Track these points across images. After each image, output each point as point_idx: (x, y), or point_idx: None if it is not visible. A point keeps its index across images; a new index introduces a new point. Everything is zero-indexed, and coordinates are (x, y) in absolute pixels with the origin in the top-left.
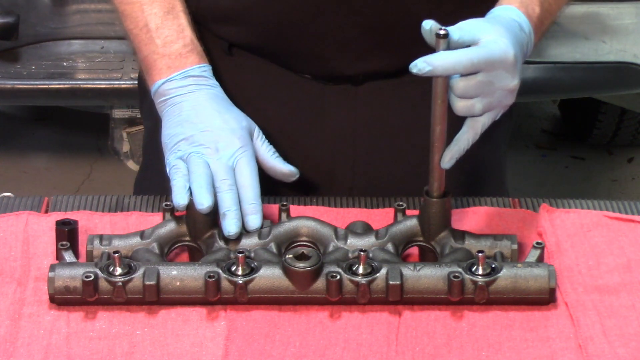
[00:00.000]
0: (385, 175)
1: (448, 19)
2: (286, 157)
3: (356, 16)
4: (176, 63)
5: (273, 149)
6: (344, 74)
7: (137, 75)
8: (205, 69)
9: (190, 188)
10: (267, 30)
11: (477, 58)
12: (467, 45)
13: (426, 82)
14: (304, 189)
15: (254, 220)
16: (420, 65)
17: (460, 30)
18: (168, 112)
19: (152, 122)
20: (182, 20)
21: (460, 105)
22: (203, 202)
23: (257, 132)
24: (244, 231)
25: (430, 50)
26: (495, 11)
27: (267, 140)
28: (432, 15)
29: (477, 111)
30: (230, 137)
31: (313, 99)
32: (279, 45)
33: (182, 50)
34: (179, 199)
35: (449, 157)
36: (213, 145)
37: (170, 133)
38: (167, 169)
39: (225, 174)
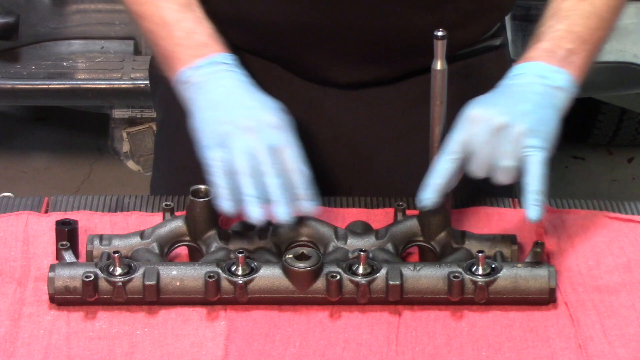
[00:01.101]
0: (385, 177)
1: (449, 30)
2: None
3: (354, 27)
4: (200, 51)
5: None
6: (341, 81)
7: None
8: (233, 57)
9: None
10: (265, 36)
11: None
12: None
13: (425, 84)
14: None
15: (308, 205)
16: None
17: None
18: (196, 98)
19: (163, 113)
20: (199, 14)
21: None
22: (254, 217)
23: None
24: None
25: (431, 57)
26: (510, 74)
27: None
28: (435, 26)
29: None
30: (271, 119)
31: (313, 101)
32: (278, 51)
33: (206, 40)
34: (228, 207)
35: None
36: (253, 127)
37: (201, 117)
38: (205, 160)
39: (269, 158)
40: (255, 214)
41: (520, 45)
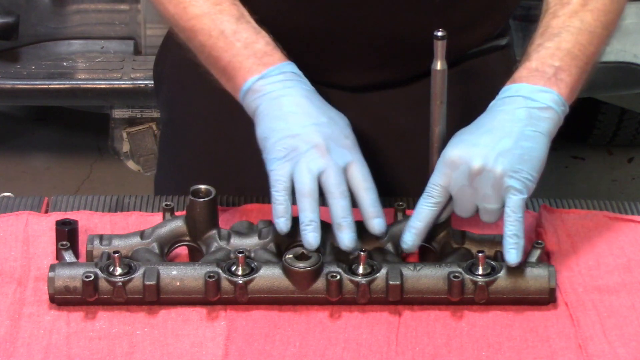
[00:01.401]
0: (389, 179)
1: (456, 33)
2: None
3: (364, 32)
4: (265, 60)
5: None
6: (346, 85)
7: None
8: (294, 66)
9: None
10: (276, 40)
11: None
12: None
13: (428, 85)
14: None
15: (379, 224)
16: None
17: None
18: (266, 107)
19: (168, 113)
20: (254, 24)
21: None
22: (312, 244)
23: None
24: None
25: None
26: (498, 96)
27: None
28: (442, 28)
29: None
30: (340, 136)
31: None
32: (287, 54)
33: (266, 49)
34: (282, 225)
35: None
36: (323, 145)
37: (271, 127)
38: (269, 173)
39: (335, 178)
40: (312, 239)
41: (520, 45)
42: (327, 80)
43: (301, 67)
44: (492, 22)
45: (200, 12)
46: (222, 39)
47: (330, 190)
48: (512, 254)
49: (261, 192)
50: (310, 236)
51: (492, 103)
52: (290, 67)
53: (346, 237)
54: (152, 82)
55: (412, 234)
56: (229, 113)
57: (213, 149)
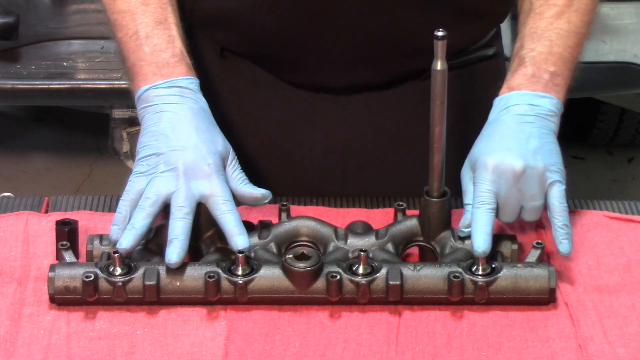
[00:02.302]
0: (375, 184)
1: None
2: (275, 165)
3: (346, 30)
4: (163, 71)
5: (244, 176)
6: (331, 86)
7: None
8: (192, 82)
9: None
10: (256, 38)
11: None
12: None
13: (416, 91)
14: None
15: (241, 240)
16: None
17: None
18: (147, 119)
19: None
20: (173, 32)
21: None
22: (124, 244)
23: (231, 158)
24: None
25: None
26: (499, 104)
27: (239, 167)
28: (424, 29)
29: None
30: (202, 163)
31: (303, 108)
32: (268, 53)
33: (170, 60)
34: (114, 233)
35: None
36: (181, 168)
37: (143, 142)
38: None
39: (183, 201)
40: (125, 243)
41: None
42: (311, 80)
43: (285, 67)
44: (476, 26)
45: (126, 8)
46: (134, 40)
47: (172, 211)
48: (565, 245)
49: None
50: (124, 238)
51: (498, 112)
52: (187, 82)
53: (171, 252)
54: None
55: (486, 239)
56: (225, 115)
57: None
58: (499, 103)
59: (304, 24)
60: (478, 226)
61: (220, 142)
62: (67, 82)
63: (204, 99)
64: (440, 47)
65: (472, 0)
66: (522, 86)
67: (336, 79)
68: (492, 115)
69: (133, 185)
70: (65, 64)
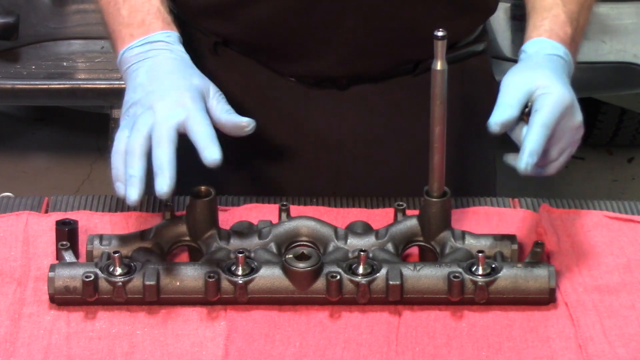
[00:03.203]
0: (369, 181)
1: (440, 24)
2: (269, 159)
3: (343, 18)
4: (139, 31)
5: (228, 106)
6: (328, 75)
7: None
8: (170, 35)
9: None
10: (253, 26)
11: (548, 129)
12: (525, 104)
13: (411, 87)
14: (286, 193)
15: (211, 153)
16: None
17: (511, 92)
18: (126, 79)
19: None
20: None
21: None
22: (130, 198)
23: (213, 92)
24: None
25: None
26: (529, 48)
27: (224, 99)
28: (424, 19)
29: (554, 157)
30: (175, 96)
31: (297, 103)
32: (265, 42)
33: (147, 17)
34: (117, 188)
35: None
36: (157, 105)
37: (125, 100)
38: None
39: (160, 130)
40: (129, 194)
41: (520, 45)
42: (304, 71)
43: (279, 55)
44: (466, 20)
45: None
46: (113, 5)
47: (152, 144)
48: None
49: (261, 193)
50: (129, 190)
51: (528, 51)
52: (163, 36)
53: (162, 183)
54: None
55: (534, 158)
56: None
57: None
58: (527, 46)
59: (304, 13)
60: (533, 147)
61: (197, 79)
62: (67, 82)
63: (182, 49)
64: (440, 47)
65: None
66: (542, 33)
67: (331, 68)
68: (530, 53)
69: (119, 138)
70: (65, 64)
